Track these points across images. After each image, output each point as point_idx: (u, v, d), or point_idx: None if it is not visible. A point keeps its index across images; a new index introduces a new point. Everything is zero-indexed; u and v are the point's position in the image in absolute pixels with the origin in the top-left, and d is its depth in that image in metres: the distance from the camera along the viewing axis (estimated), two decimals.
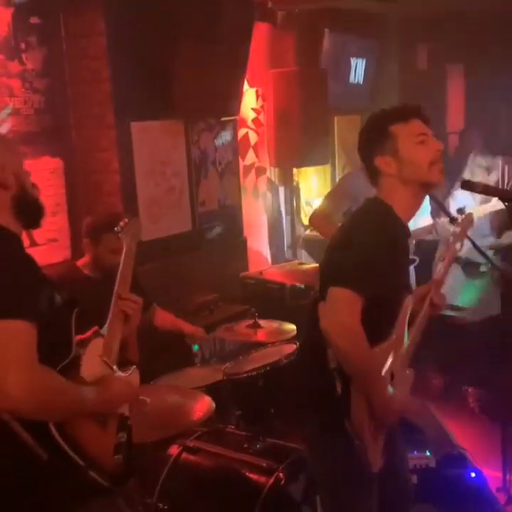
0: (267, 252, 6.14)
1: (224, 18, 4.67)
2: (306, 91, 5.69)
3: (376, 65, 7.29)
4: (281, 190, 6.25)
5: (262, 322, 3.90)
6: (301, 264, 5.70)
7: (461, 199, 5.27)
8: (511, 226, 4.69)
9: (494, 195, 2.92)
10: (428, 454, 3.85)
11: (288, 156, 5.82)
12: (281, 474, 2.96)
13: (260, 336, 3.82)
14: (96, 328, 2.21)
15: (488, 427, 4.32)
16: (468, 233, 2.86)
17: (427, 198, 3.83)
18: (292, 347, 3.49)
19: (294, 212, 6.36)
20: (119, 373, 2.20)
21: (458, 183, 4.73)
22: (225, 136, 5.44)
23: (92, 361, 2.10)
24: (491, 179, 5.66)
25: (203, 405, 2.99)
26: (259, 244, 6.03)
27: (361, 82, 7.13)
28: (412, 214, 2.53)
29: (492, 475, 3.83)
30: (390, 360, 2.43)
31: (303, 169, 6.39)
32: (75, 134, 4.39)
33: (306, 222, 6.51)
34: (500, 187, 5.27)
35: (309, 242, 6.10)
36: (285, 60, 6.10)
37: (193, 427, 3.20)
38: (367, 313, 2.32)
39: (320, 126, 5.93)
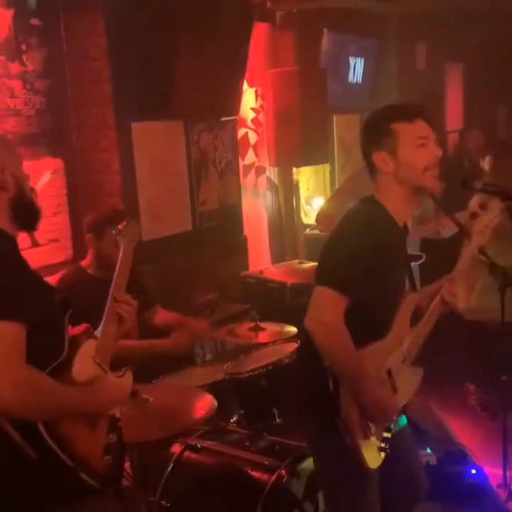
0: (267, 251, 6.15)
1: (223, 18, 4.69)
2: (306, 90, 5.70)
3: (375, 64, 7.31)
4: (281, 189, 6.26)
5: (263, 324, 3.91)
6: (301, 263, 5.71)
7: None
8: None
9: (494, 194, 2.92)
10: (429, 451, 3.87)
11: (287, 156, 5.84)
12: (283, 472, 2.97)
13: (262, 338, 3.84)
14: (88, 325, 2.20)
15: (488, 424, 4.33)
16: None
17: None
18: (293, 346, 3.50)
19: (293, 211, 6.38)
20: (112, 375, 2.20)
21: None
22: (225, 136, 5.46)
23: (85, 362, 2.09)
24: None
25: (205, 404, 3.00)
26: (259, 243, 6.05)
27: (360, 82, 7.15)
28: (406, 214, 2.53)
29: (493, 472, 3.85)
30: (385, 359, 2.44)
31: (302, 168, 6.41)
32: (76, 134, 4.40)
33: (305, 221, 6.53)
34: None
35: (309, 241, 6.12)
36: (284, 60, 6.11)
37: (195, 426, 3.21)
38: (357, 313, 2.33)
39: (319, 126, 5.94)
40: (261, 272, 5.39)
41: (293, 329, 3.83)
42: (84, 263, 3.57)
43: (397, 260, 2.50)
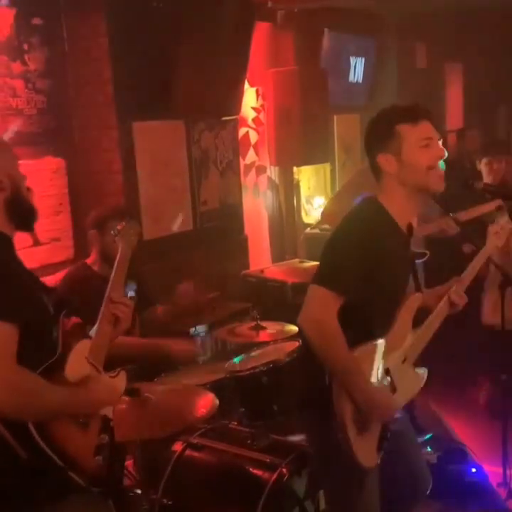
0: (267, 250, 6.17)
1: (225, 18, 4.70)
2: (306, 90, 5.71)
3: (375, 63, 7.31)
4: (282, 188, 6.28)
5: (264, 323, 3.92)
6: (302, 262, 5.72)
7: None
8: None
9: (495, 195, 2.94)
10: (429, 449, 3.89)
11: (288, 155, 5.85)
12: (284, 470, 2.98)
13: (262, 337, 3.84)
14: (79, 320, 2.19)
15: (488, 422, 4.34)
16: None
17: None
18: (295, 344, 3.51)
19: (294, 210, 6.39)
20: (105, 375, 2.20)
21: None
22: (226, 135, 5.47)
23: (78, 362, 2.09)
24: None
25: (207, 402, 3.01)
26: (260, 242, 6.06)
27: (360, 81, 7.15)
28: (409, 214, 2.53)
29: (492, 470, 3.86)
30: (384, 357, 2.45)
31: (303, 168, 6.42)
32: (77, 134, 4.42)
33: (306, 220, 6.55)
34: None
35: (310, 241, 6.13)
36: (285, 59, 6.12)
37: (196, 424, 3.22)
38: (353, 311, 2.35)
39: (320, 125, 5.95)
40: (261, 271, 5.40)
41: (293, 328, 3.83)
42: (89, 260, 3.59)
43: (397, 260, 2.50)
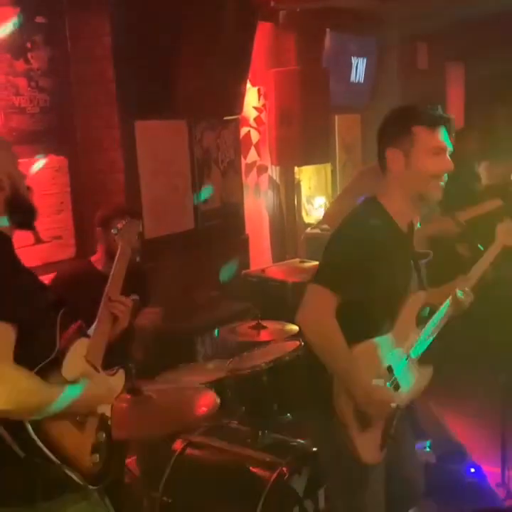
0: (268, 249, 6.18)
1: (227, 18, 4.71)
2: (308, 90, 5.72)
3: (377, 64, 7.32)
4: (283, 188, 6.29)
5: (264, 322, 3.93)
6: (302, 262, 5.73)
7: None
8: None
9: (496, 195, 2.95)
10: (428, 449, 3.90)
11: (289, 155, 5.86)
12: (284, 469, 3.00)
13: (263, 336, 3.86)
14: (79, 323, 2.18)
15: (487, 423, 4.35)
16: None
17: None
18: (295, 343, 3.52)
19: (295, 210, 6.40)
20: (103, 374, 2.20)
21: None
22: (228, 135, 5.48)
23: (76, 361, 2.08)
24: None
25: (208, 401, 3.01)
26: (260, 242, 6.07)
27: (362, 81, 7.16)
28: (408, 215, 2.54)
29: (491, 470, 3.88)
30: (387, 355, 2.46)
31: (304, 167, 6.43)
32: (80, 132, 4.42)
33: (307, 220, 6.56)
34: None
35: (310, 240, 6.14)
36: (286, 59, 6.13)
37: (197, 423, 3.24)
38: (352, 310, 2.37)
39: (321, 125, 5.96)
40: (262, 271, 5.41)
41: (294, 327, 3.84)
42: (93, 258, 3.58)
43: (396, 260, 2.51)
